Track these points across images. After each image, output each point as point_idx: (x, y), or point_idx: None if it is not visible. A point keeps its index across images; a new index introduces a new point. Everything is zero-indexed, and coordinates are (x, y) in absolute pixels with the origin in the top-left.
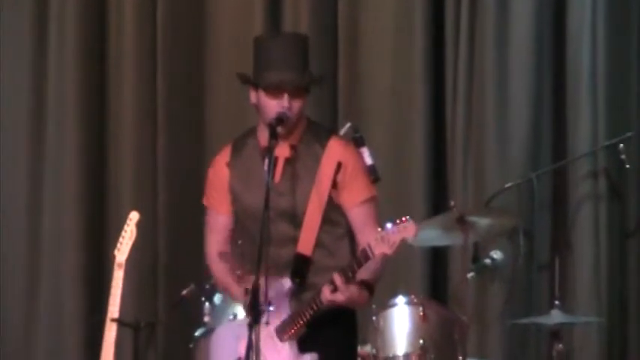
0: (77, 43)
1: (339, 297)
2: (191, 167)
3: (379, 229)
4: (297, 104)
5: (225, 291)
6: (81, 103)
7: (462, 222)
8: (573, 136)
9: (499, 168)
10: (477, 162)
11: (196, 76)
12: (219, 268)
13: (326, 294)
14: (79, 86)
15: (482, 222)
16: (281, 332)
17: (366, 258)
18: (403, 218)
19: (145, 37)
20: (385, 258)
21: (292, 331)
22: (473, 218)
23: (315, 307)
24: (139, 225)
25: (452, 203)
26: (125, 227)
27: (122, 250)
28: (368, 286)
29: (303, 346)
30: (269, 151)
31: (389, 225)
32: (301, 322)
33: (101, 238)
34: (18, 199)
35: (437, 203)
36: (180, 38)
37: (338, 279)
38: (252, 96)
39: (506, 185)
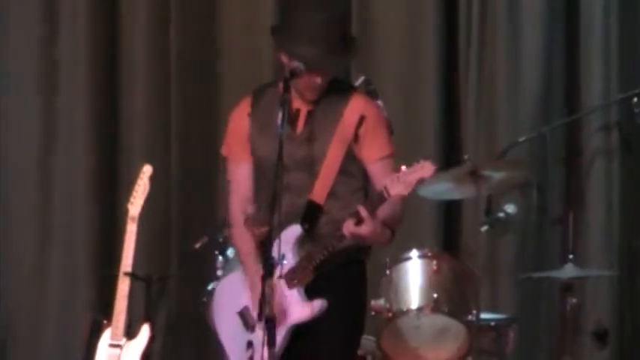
0: None
1: (364, 229)
2: (204, 121)
3: (395, 172)
4: (327, 77)
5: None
6: (93, 56)
7: (475, 175)
8: (586, 89)
9: (512, 121)
10: (489, 115)
11: (210, 27)
12: (242, 240)
13: (350, 227)
14: (91, 39)
15: (496, 175)
16: (288, 279)
17: (381, 199)
18: (420, 160)
19: None
20: (404, 201)
21: (300, 277)
22: (486, 171)
23: (328, 249)
24: (152, 178)
25: (465, 156)
26: (138, 181)
27: (135, 204)
28: (389, 227)
29: (312, 295)
30: (282, 103)
31: (404, 167)
32: (310, 267)
33: (114, 191)
34: (30, 153)
35: (449, 157)
36: None
37: (363, 210)
38: (283, 57)
39: (519, 139)
